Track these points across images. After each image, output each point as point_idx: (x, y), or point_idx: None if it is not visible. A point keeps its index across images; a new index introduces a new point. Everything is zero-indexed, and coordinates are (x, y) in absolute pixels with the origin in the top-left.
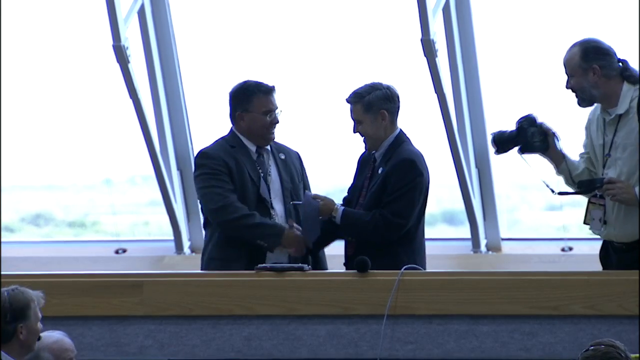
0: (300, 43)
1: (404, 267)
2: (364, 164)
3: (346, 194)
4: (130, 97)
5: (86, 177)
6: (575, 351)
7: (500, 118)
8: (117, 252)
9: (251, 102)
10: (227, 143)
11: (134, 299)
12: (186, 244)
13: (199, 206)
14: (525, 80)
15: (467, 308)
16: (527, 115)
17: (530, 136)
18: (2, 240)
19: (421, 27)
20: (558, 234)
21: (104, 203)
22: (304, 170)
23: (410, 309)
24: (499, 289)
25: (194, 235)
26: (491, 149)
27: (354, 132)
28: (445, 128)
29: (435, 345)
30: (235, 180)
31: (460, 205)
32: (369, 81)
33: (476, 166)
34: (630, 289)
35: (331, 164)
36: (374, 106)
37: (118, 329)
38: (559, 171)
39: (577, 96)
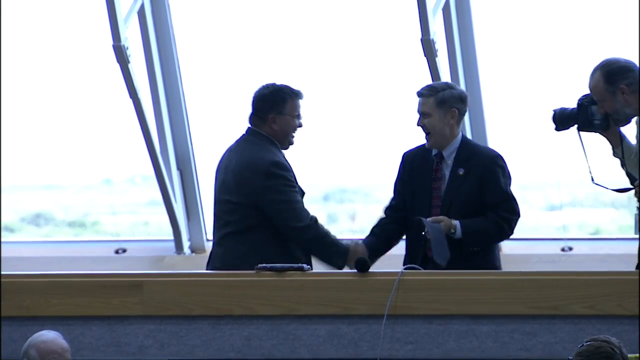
0: (300, 43)
1: (403, 268)
2: (419, 162)
3: (393, 194)
4: (130, 97)
5: (86, 177)
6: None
7: (500, 117)
8: (117, 252)
9: (286, 104)
10: (272, 146)
11: (134, 299)
12: (186, 244)
13: (200, 205)
14: (524, 79)
15: (467, 308)
16: (588, 94)
17: (591, 115)
18: (3, 240)
19: (421, 27)
20: (558, 234)
21: (103, 203)
22: None
23: (410, 309)
24: (499, 289)
25: (193, 235)
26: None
27: (418, 124)
28: None
29: (435, 345)
30: (297, 191)
31: None
32: (369, 79)
33: None
34: (630, 288)
35: (330, 164)
36: (446, 102)
37: (118, 329)
38: (615, 153)
39: (612, 119)
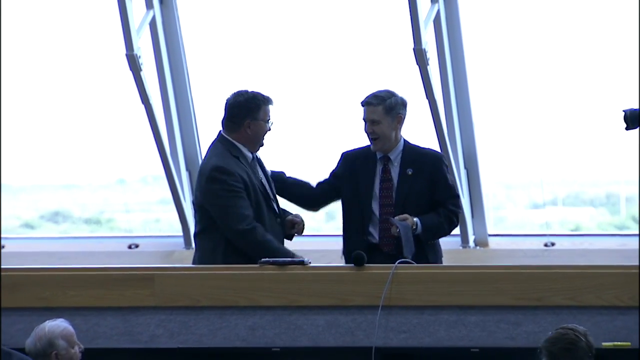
0: (300, 51)
1: (397, 262)
2: (361, 163)
3: (328, 176)
4: (142, 103)
5: (101, 177)
6: None
7: (487, 121)
8: (130, 247)
9: (259, 111)
10: (230, 153)
11: (146, 291)
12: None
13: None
14: (510, 85)
15: (457, 299)
16: None
17: None
18: (23, 236)
19: (413, 37)
20: (541, 231)
21: (118, 201)
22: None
23: (404, 300)
24: (486, 281)
25: None
26: (476, 154)
27: (366, 131)
28: (436, 132)
29: (426, 334)
30: (251, 193)
31: None
32: (365, 85)
33: (465, 167)
34: (608, 281)
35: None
36: (393, 109)
37: (131, 319)
38: None
39: None
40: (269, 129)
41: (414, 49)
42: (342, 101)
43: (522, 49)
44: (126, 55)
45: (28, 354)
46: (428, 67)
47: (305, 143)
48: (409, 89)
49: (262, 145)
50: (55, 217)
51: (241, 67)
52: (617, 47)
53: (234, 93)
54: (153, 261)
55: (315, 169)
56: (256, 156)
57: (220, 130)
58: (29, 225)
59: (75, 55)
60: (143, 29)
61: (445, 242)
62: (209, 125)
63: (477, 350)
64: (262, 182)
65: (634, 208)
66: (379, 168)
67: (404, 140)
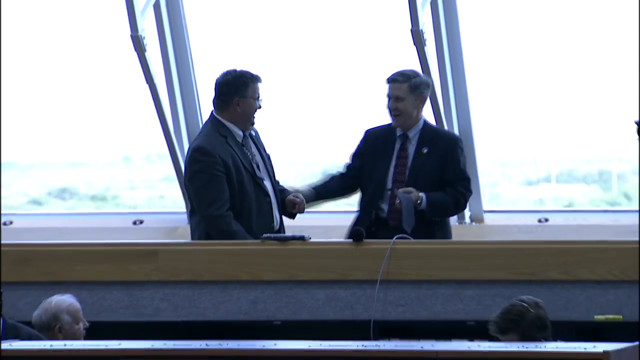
0: (300, 33)
1: (395, 237)
2: (381, 140)
3: (349, 161)
4: (147, 83)
5: (107, 155)
6: (551, 313)
7: (483, 100)
8: (134, 223)
9: (248, 88)
10: (217, 133)
11: (150, 265)
12: None
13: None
14: (506, 65)
15: (453, 274)
16: None
17: None
18: (31, 212)
19: (411, 18)
20: (535, 207)
21: (123, 178)
22: (261, 140)
23: (401, 274)
24: (482, 256)
25: None
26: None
27: (389, 107)
28: (433, 111)
29: (423, 308)
30: (232, 172)
31: None
32: (364, 67)
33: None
34: (601, 256)
35: (328, 142)
36: (418, 88)
37: (136, 293)
38: None
39: None
40: (259, 107)
41: (411, 30)
42: (342, 81)
43: (516, 29)
44: (131, 36)
45: (34, 326)
46: (425, 47)
47: (303, 124)
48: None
49: (252, 123)
50: (62, 193)
51: (244, 47)
52: (610, 25)
53: (223, 72)
54: (157, 237)
55: (313, 144)
56: (251, 134)
57: (212, 111)
58: (36, 202)
59: (82, 36)
60: (147, 11)
61: None
62: (211, 105)
63: (473, 323)
64: (251, 161)
65: (625, 185)
66: (397, 145)
67: (424, 120)
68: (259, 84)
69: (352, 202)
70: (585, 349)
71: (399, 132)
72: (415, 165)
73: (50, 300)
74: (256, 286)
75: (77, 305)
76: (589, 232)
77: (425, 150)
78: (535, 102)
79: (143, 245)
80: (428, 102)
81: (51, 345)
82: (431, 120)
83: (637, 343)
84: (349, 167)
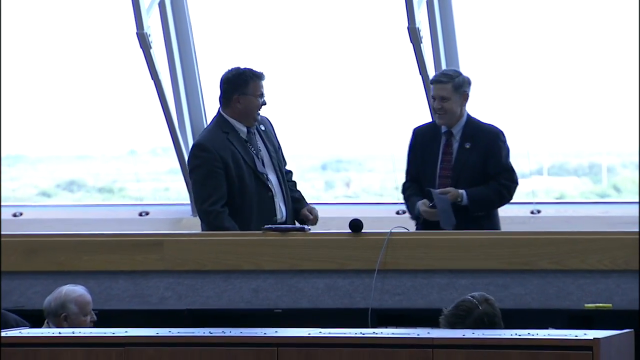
0: (302, 31)
1: (392, 229)
2: (429, 137)
3: (407, 165)
4: (152, 79)
5: (114, 148)
6: (543, 302)
7: (477, 95)
8: (140, 214)
9: (248, 85)
10: (219, 129)
11: (155, 255)
12: None
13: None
14: (499, 61)
15: (448, 264)
16: None
17: None
18: (41, 204)
19: (408, 16)
20: (527, 199)
21: (129, 171)
22: (275, 132)
23: (398, 264)
24: (476, 247)
25: None
26: None
27: (434, 107)
28: (429, 105)
29: (420, 297)
30: (231, 168)
31: None
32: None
33: None
34: (591, 246)
35: (328, 137)
36: (461, 87)
37: (141, 282)
38: None
39: None
40: (262, 104)
41: (408, 28)
42: (341, 78)
43: (509, 26)
44: (137, 34)
45: (44, 311)
46: (421, 44)
47: (306, 114)
48: (404, 65)
49: (256, 119)
50: (70, 186)
51: (246, 45)
52: (600, 22)
53: (227, 70)
54: (162, 228)
55: (313, 139)
56: (260, 128)
57: (219, 107)
58: (46, 194)
59: (90, 34)
60: (152, 9)
61: None
62: (215, 100)
63: None
64: (254, 157)
65: (615, 177)
66: (442, 142)
67: (468, 115)
68: (262, 82)
69: (350, 194)
70: (576, 336)
71: (443, 129)
72: (459, 160)
73: (61, 289)
74: (258, 275)
75: (87, 297)
76: (580, 223)
77: (467, 146)
78: (529, 97)
79: (148, 236)
80: (424, 99)
81: (60, 332)
82: (427, 115)
83: (626, 331)
84: (411, 173)
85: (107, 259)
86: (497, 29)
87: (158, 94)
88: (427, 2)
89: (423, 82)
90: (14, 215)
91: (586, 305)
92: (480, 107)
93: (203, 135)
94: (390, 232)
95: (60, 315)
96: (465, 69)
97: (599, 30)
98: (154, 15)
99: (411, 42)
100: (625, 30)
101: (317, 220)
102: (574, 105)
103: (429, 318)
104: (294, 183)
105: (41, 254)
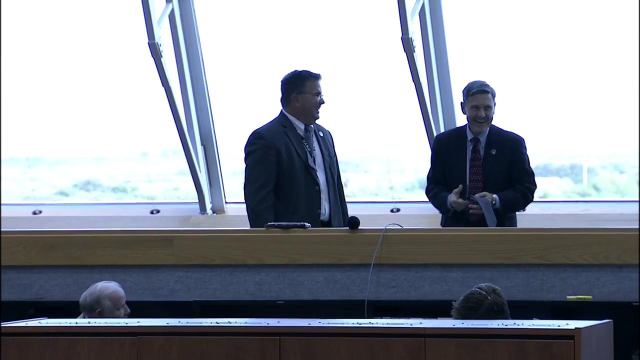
0: (302, 41)
1: (387, 226)
2: (454, 143)
3: (432, 169)
4: (163, 86)
5: (127, 150)
6: (528, 294)
7: None
8: (152, 212)
9: (305, 85)
10: (279, 123)
11: (166, 251)
12: (208, 205)
13: (220, 174)
14: (487, 69)
15: (439, 258)
16: None
17: None
18: (59, 202)
19: (401, 27)
20: None
21: (141, 172)
22: (334, 144)
23: (392, 259)
24: (466, 242)
25: (215, 199)
26: None
27: (479, 116)
28: (421, 111)
29: (412, 289)
30: (284, 157)
31: None
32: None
33: None
34: (573, 242)
35: None
36: (495, 96)
37: (153, 276)
38: None
39: None
40: (320, 102)
41: (402, 38)
42: (339, 87)
43: (493, 34)
44: (148, 43)
45: (80, 305)
46: (414, 54)
47: None
48: (397, 73)
49: (315, 117)
50: (86, 185)
51: (250, 55)
52: (581, 25)
53: (286, 74)
54: (172, 225)
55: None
56: (319, 134)
57: (281, 109)
58: (63, 193)
59: (105, 45)
60: (163, 20)
61: (428, 208)
62: (221, 105)
63: None
64: (307, 152)
65: (595, 178)
66: (469, 148)
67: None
68: (318, 82)
69: (347, 194)
70: (559, 326)
71: (469, 136)
72: (487, 165)
73: (96, 285)
74: (261, 269)
75: (120, 292)
76: (562, 220)
77: (494, 152)
78: (514, 102)
79: (159, 232)
80: (417, 105)
81: (76, 323)
82: (419, 120)
83: (605, 321)
84: (436, 177)
85: (120, 254)
86: (484, 37)
87: (168, 100)
88: (419, 14)
89: (415, 88)
90: (34, 213)
91: (568, 297)
92: None
93: (262, 127)
94: (385, 229)
95: (95, 310)
96: (454, 76)
97: (580, 35)
98: (165, 26)
99: (405, 51)
100: (603, 34)
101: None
102: (557, 110)
103: (421, 309)
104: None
105: (59, 249)
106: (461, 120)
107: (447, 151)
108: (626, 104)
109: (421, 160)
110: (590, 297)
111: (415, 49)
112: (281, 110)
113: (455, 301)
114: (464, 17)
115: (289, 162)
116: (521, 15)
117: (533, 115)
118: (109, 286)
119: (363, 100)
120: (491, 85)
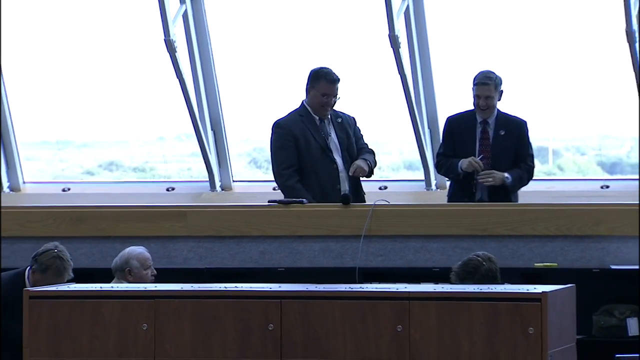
0: (302, 41)
1: (375, 201)
2: (465, 125)
3: (444, 146)
4: (177, 77)
5: (146, 134)
6: (499, 261)
7: (448, 93)
8: (167, 190)
9: (318, 83)
10: (297, 114)
11: (180, 224)
12: (218, 183)
13: (228, 156)
14: (468, 64)
15: (422, 230)
16: None
17: None
18: (85, 180)
19: (388, 25)
20: None
21: (158, 154)
22: (358, 130)
23: (380, 231)
24: (445, 216)
25: (223, 177)
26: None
27: (480, 104)
28: (406, 99)
29: (398, 257)
30: (301, 143)
31: (416, 156)
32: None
33: (428, 127)
34: (540, 215)
35: None
36: (499, 86)
37: (169, 246)
38: None
39: None
40: (326, 103)
41: (389, 35)
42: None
43: (471, 31)
44: (164, 40)
45: (112, 268)
46: (400, 49)
47: None
48: (385, 67)
49: (322, 114)
50: (110, 166)
51: (254, 50)
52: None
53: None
54: (186, 201)
55: None
56: (337, 121)
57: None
58: (90, 172)
59: (127, 42)
60: (177, 19)
61: (413, 186)
62: (229, 94)
63: (438, 269)
64: (323, 137)
65: (559, 159)
66: (479, 129)
67: (497, 108)
68: (330, 84)
69: None
70: (527, 290)
71: (479, 118)
72: (495, 144)
73: (125, 250)
74: (264, 240)
75: (146, 254)
76: (530, 197)
77: (502, 133)
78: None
79: (174, 207)
80: (402, 94)
81: (101, 287)
82: (404, 108)
83: (568, 285)
84: (446, 153)
85: (140, 227)
86: (464, 33)
87: (182, 90)
88: (404, 14)
89: (401, 79)
90: (63, 190)
91: (535, 264)
92: (448, 101)
93: (282, 118)
94: (374, 204)
95: (125, 270)
96: (435, 69)
97: (546, 26)
98: (179, 24)
99: (391, 46)
100: (567, 24)
101: (357, 167)
102: (525, 98)
103: (406, 275)
104: (370, 150)
105: (86, 222)
106: (442, 107)
107: (458, 131)
108: (587, 94)
109: (406, 144)
110: (555, 264)
111: (401, 45)
112: (303, 100)
113: (454, 266)
114: (445, 16)
115: (306, 144)
116: (492, 14)
117: (505, 103)
118: (136, 249)
119: (355, 91)
120: (496, 74)
